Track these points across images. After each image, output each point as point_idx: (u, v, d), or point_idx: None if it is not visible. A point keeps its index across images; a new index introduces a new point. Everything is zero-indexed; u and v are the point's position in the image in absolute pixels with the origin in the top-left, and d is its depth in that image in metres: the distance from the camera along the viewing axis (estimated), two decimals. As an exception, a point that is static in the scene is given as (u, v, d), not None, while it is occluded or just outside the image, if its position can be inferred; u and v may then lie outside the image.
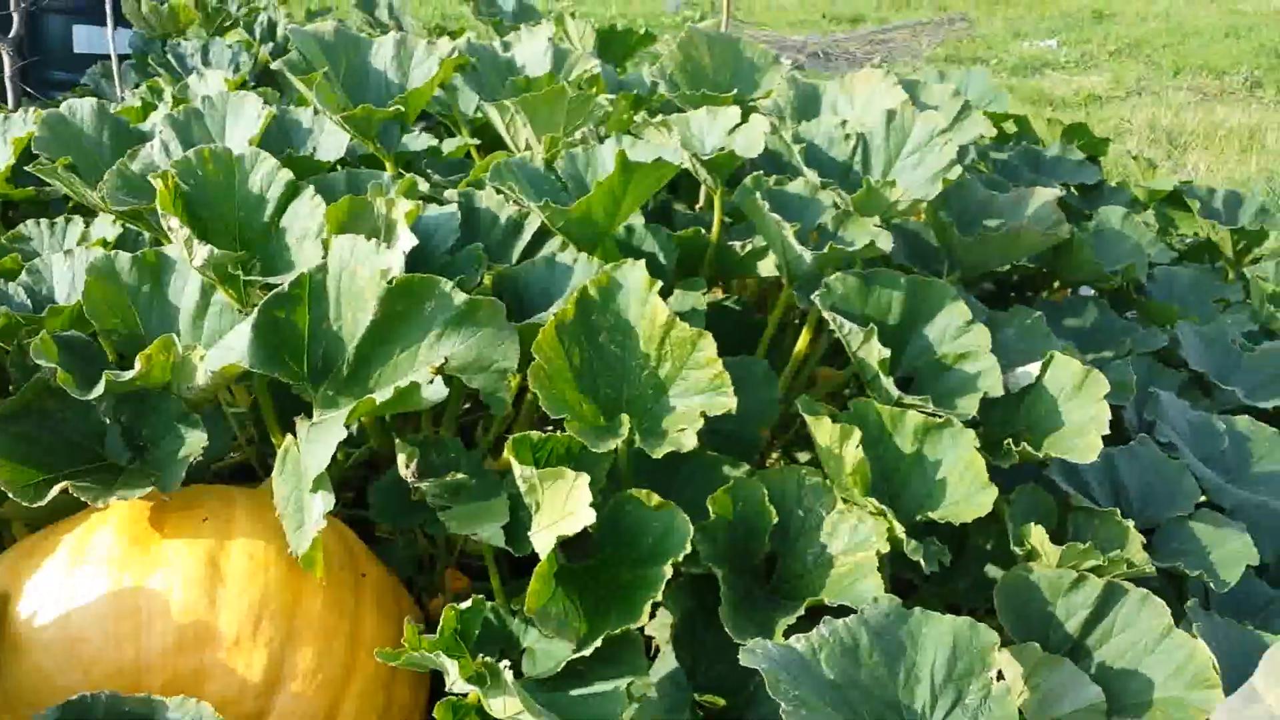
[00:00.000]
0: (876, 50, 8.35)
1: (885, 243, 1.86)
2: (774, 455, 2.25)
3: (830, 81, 2.43)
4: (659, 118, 2.10)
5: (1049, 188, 2.66)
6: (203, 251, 1.61)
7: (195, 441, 1.59)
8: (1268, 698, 1.12)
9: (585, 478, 1.37)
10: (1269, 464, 1.98)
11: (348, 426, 1.60)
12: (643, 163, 1.69)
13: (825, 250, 1.79)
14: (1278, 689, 1.12)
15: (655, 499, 1.47)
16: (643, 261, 1.59)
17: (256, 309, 1.51)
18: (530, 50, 2.62)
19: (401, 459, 1.60)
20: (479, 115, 2.63)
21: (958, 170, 2.02)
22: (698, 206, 2.51)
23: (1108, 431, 1.65)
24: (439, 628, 1.37)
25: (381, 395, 1.39)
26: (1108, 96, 7.04)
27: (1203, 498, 1.85)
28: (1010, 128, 3.48)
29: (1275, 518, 1.85)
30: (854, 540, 1.53)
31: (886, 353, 1.66)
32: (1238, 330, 2.45)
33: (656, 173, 1.75)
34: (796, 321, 2.29)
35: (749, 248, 2.07)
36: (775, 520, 1.53)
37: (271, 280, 1.65)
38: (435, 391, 1.42)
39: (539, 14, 3.62)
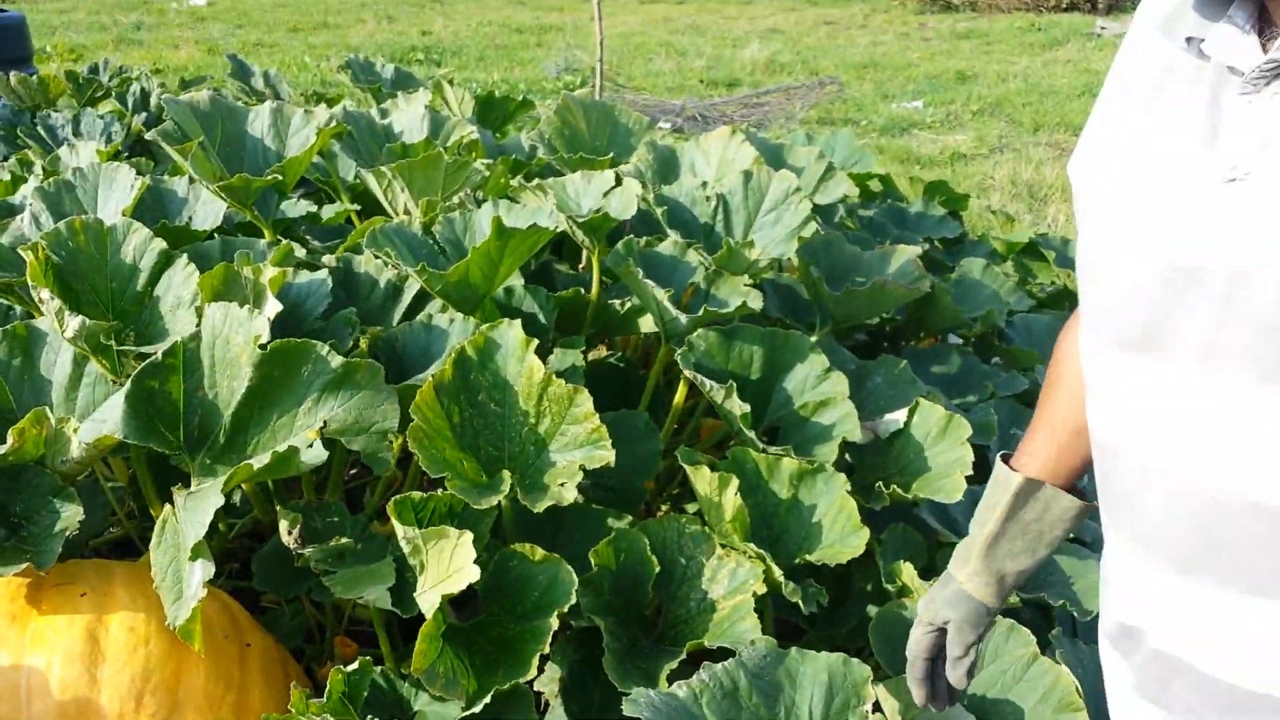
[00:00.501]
0: (752, 113, 8.61)
1: (756, 302, 1.94)
2: (664, 507, 2.29)
3: (686, 143, 2.53)
4: (535, 182, 2.16)
5: (911, 245, 2.80)
6: (74, 322, 1.59)
7: (71, 516, 1.56)
8: (959, 577, 1.24)
9: (468, 535, 1.39)
10: (1123, 496, 2.09)
11: (228, 495, 1.58)
12: (518, 228, 1.74)
13: (700, 313, 1.85)
14: (964, 569, 1.23)
15: (539, 553, 1.50)
16: (519, 321, 1.62)
17: (129, 379, 1.50)
18: (407, 117, 2.65)
19: (284, 526, 1.60)
20: (358, 181, 2.65)
21: (813, 227, 2.11)
22: (581, 266, 2.57)
23: (971, 472, 1.73)
24: (326, 691, 1.36)
25: (259, 461, 1.39)
26: (972, 154, 7.37)
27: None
28: (876, 186, 3.63)
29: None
30: (734, 584, 1.57)
31: (746, 407, 1.72)
32: (1092, 371, 2.58)
33: (532, 237, 1.79)
34: (681, 376, 2.35)
35: (628, 306, 2.13)
36: (658, 569, 1.57)
37: (145, 350, 1.64)
38: (314, 455, 1.43)
39: (418, 81, 3.66)
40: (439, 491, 1.49)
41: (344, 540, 1.56)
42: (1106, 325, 0.95)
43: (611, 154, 2.50)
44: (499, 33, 13.65)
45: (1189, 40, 0.90)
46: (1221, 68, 0.87)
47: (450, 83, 3.22)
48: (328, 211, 2.73)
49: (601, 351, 2.62)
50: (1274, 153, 0.81)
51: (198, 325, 1.58)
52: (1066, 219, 5.36)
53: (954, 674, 1.24)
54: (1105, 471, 1.00)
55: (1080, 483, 1.22)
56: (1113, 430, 0.97)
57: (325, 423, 1.50)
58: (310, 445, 1.45)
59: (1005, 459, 1.22)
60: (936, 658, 1.27)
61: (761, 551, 1.55)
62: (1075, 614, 1.69)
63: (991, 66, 11.41)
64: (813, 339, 2.30)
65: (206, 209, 2.34)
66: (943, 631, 1.25)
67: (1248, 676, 0.88)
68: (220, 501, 1.38)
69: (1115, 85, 0.99)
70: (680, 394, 2.10)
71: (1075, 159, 1.02)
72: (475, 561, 1.39)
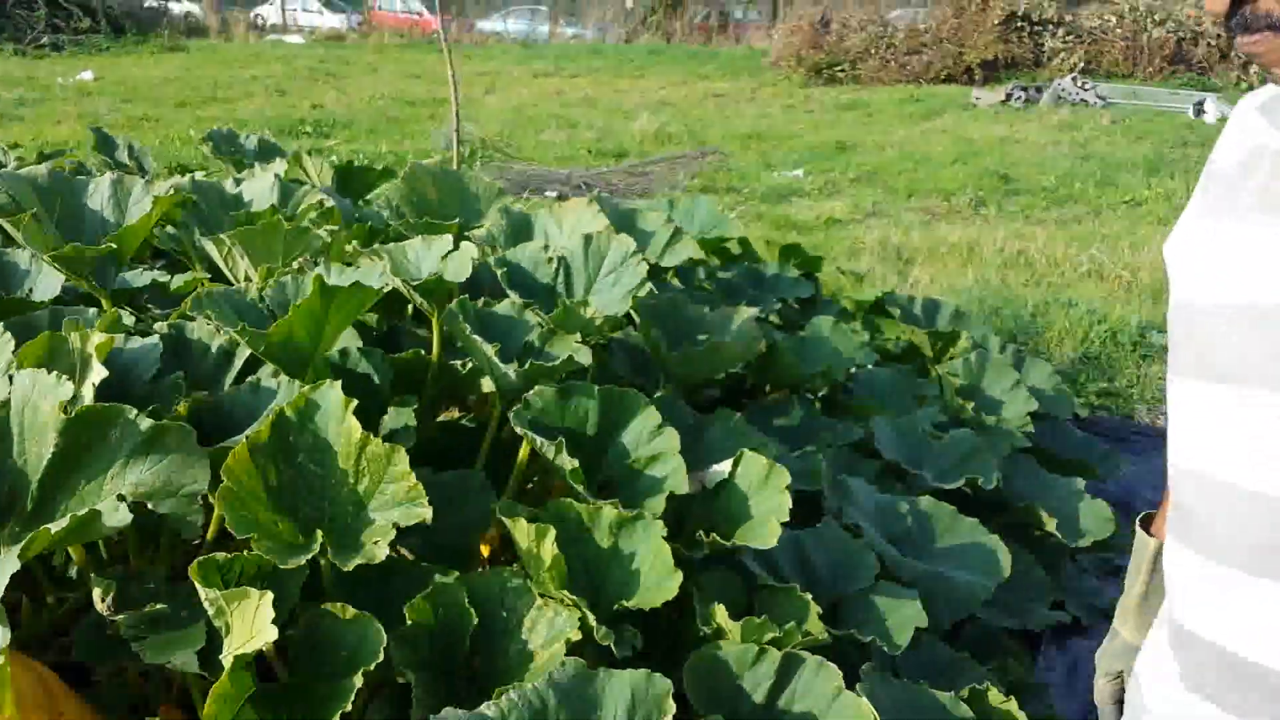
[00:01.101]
0: (638, 182, 8.79)
1: (584, 357, 1.99)
2: (516, 565, 2.31)
3: (540, 210, 2.60)
4: (375, 246, 2.19)
5: (767, 304, 2.90)
6: (-123, 394, 1.57)
7: None
8: (1123, 632, 1.40)
9: (269, 596, 1.39)
10: (949, 539, 2.19)
11: (63, 566, 1.56)
12: (340, 287, 1.77)
13: (526, 367, 1.90)
14: (1126, 625, 1.40)
15: (350, 611, 1.51)
16: (340, 382, 1.65)
17: (-67, 449, 1.49)
18: (257, 186, 2.68)
19: (97, 593, 1.59)
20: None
21: (648, 287, 2.19)
22: (436, 330, 2.60)
23: (787, 519, 1.80)
24: (122, 757, 1.35)
25: (58, 525, 1.38)
26: (847, 219, 7.63)
27: (895, 570, 2.03)
28: (736, 249, 3.75)
29: (952, 586, 2.05)
30: (552, 633, 1.60)
31: (575, 463, 1.76)
32: (929, 421, 2.70)
33: (357, 296, 1.82)
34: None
35: (470, 366, 2.16)
36: (475, 621, 1.59)
37: (-45, 420, 1.62)
38: (119, 519, 1.43)
39: (281, 152, 3.68)
40: (245, 552, 1.50)
41: (158, 606, 1.55)
42: (1187, 361, 1.11)
43: (459, 220, 2.55)
44: (391, 106, 13.75)
45: None
46: None
47: (309, 154, 3.26)
48: (179, 280, 2.72)
49: (454, 413, 2.64)
50: None
51: (8, 393, 1.57)
52: (930, 279, 5.59)
53: None
54: (1178, 496, 1.13)
55: None
56: (1190, 456, 1.11)
57: (135, 486, 1.50)
58: (116, 509, 1.45)
59: (1145, 523, 1.39)
60: (1121, 701, 1.41)
61: (577, 599, 1.59)
62: (886, 648, 1.76)
63: (871, 136, 11.85)
64: (658, 394, 2.37)
65: (46, 281, 2.34)
66: (1119, 677, 1.41)
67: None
68: (15, 567, 1.36)
69: (1208, 172, 1.15)
70: (524, 452, 2.13)
71: (1170, 241, 1.17)
72: (285, 621, 1.40)
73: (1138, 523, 1.39)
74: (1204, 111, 13.94)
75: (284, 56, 20.08)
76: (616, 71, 19.24)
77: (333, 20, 31.04)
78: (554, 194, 8.19)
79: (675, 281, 3.24)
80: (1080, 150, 11.06)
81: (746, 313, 2.47)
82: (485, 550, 2.22)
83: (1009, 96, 15.36)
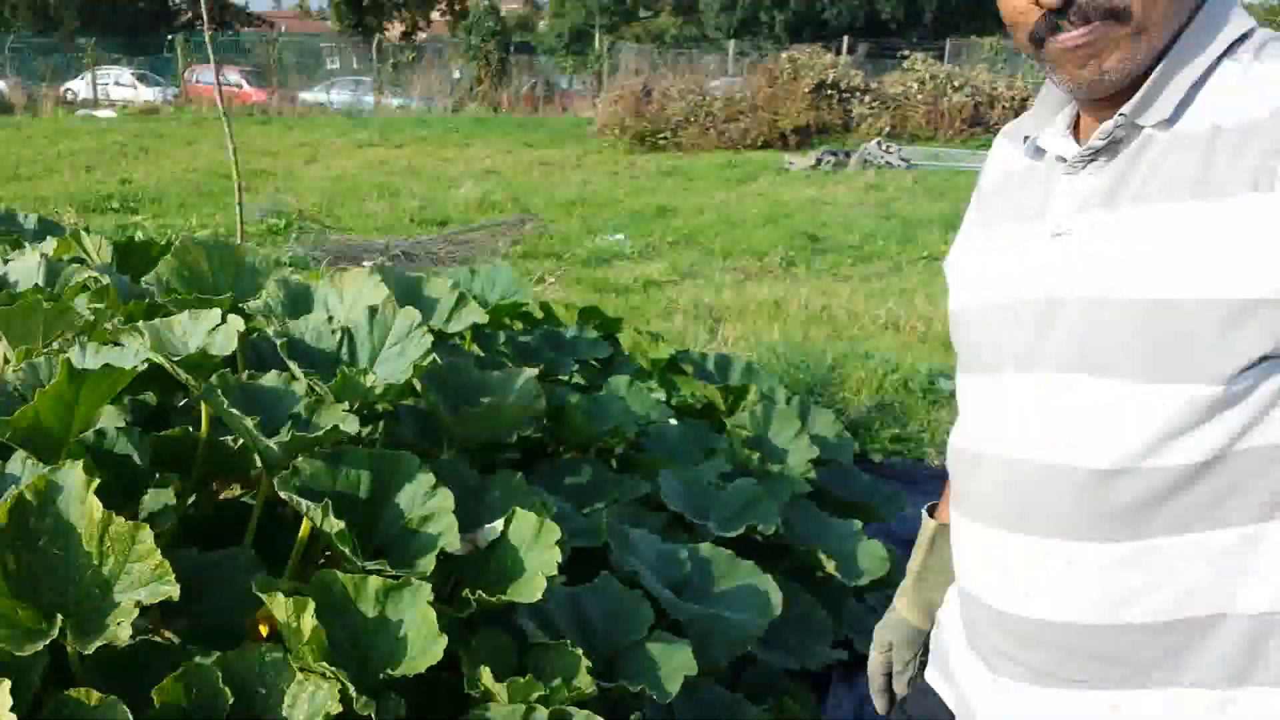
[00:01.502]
0: (459, 249, 8.81)
1: (351, 426, 1.99)
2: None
3: (319, 281, 2.59)
4: (139, 322, 2.15)
5: (546, 368, 2.96)
6: None
7: None
8: (898, 606, 1.54)
9: (6, 684, 1.35)
10: (726, 582, 2.27)
11: None
12: (90, 370, 1.73)
13: (288, 438, 1.89)
14: (902, 599, 1.54)
15: (95, 696, 1.46)
16: (81, 463, 1.61)
17: None
18: (22, 266, 2.59)
19: None
20: (-31, 335, 2.55)
21: (432, 357, 2.21)
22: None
23: (554, 573, 1.83)
24: None
25: None
26: (664, 281, 7.82)
27: (672, 617, 2.09)
28: (538, 313, 3.82)
29: (728, 626, 2.12)
30: (313, 708, 1.58)
31: (341, 524, 1.76)
32: (714, 472, 2.79)
33: (110, 378, 1.79)
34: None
35: (241, 442, 2.13)
36: (231, 701, 1.56)
37: None
38: None
39: (62, 230, 3.56)
40: (-21, 642, 1.44)
41: (-117, 708, 1.47)
42: (965, 360, 1.27)
43: (232, 293, 2.53)
44: (205, 179, 13.39)
45: (1025, 139, 1.23)
46: (1052, 161, 1.18)
47: (86, 230, 3.16)
48: (-62, 367, 2.60)
49: (236, 490, 2.59)
50: (1087, 215, 1.10)
51: None
52: (738, 337, 5.79)
53: (897, 684, 1.53)
54: (952, 472, 1.28)
55: None
56: (961, 436, 1.26)
57: None
58: None
59: (931, 510, 1.52)
60: (890, 673, 1.54)
61: (337, 670, 1.58)
62: (656, 697, 1.80)
63: (691, 200, 12.21)
64: (442, 458, 2.38)
65: None
66: (890, 649, 1.53)
67: (1033, 606, 1.13)
68: None
69: (975, 194, 1.34)
70: (305, 527, 2.10)
71: (948, 259, 1.34)
72: (30, 709, 1.35)
73: (925, 511, 1.53)
74: (998, 171, 14.85)
75: (94, 132, 19.34)
76: (442, 141, 19.26)
77: (147, 94, 30.12)
78: (370, 263, 8.13)
79: (475, 347, 3.27)
80: (884, 210, 11.64)
81: (528, 373, 2.52)
82: (265, 630, 2.18)
83: (819, 161, 16.06)
